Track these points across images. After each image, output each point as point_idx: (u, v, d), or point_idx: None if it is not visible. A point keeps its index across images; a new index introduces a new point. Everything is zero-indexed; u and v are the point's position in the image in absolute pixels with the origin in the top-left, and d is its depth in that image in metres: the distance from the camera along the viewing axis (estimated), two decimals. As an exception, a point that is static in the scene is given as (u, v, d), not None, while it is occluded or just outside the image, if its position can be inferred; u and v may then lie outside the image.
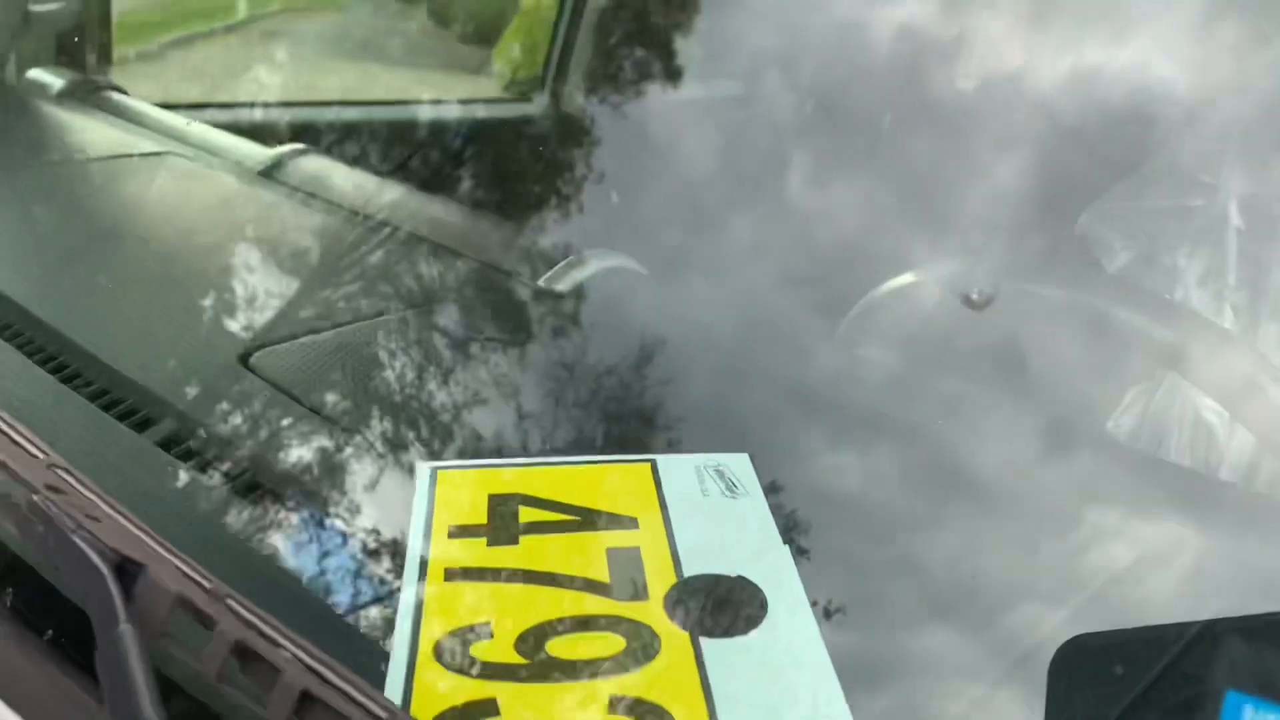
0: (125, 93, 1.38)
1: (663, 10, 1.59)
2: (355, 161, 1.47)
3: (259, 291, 0.76)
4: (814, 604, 0.47)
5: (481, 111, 1.72)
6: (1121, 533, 0.56)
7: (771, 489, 0.54)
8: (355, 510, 0.52)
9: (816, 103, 1.34)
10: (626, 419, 0.63)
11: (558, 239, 1.05)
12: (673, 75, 1.50)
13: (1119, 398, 0.93)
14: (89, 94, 1.34)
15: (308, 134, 1.51)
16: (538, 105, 1.85)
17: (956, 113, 1.20)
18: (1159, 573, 0.52)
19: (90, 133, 1.23)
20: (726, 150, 1.31)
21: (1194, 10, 0.94)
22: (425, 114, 1.59)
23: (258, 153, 1.15)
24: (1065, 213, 1.02)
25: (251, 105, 1.75)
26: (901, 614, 0.51)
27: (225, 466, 0.55)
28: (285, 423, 0.59)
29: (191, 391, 0.63)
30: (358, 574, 0.48)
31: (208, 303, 0.75)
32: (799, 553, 0.50)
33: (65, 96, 1.32)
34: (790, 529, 0.51)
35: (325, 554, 0.49)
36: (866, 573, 0.52)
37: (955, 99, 1.23)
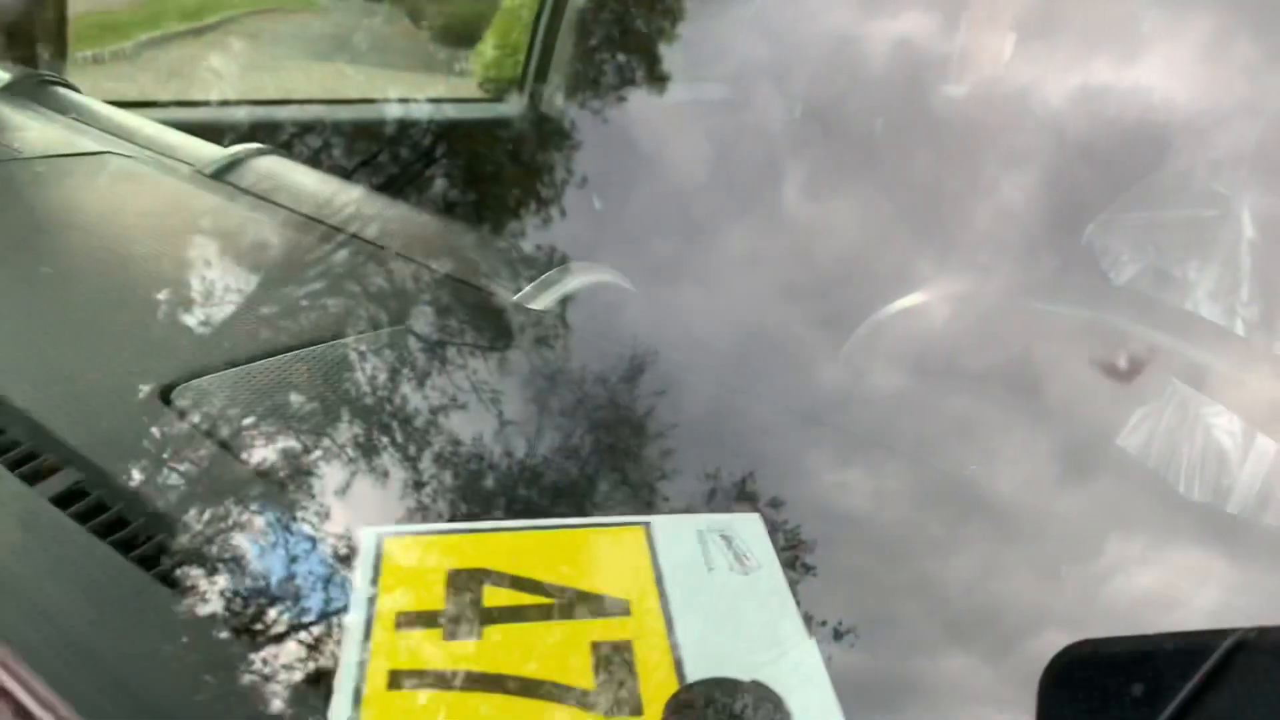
0: (77, 90, 1.28)
1: (645, 12, 1.52)
2: (320, 163, 1.38)
3: (191, 311, 0.66)
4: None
5: (455, 112, 1.63)
6: (1125, 547, 0.53)
7: (789, 558, 0.45)
8: (285, 596, 0.42)
9: (805, 108, 1.28)
10: (614, 468, 0.53)
11: (535, 250, 0.96)
12: (657, 78, 1.42)
13: (1130, 417, 0.91)
14: (35, 89, 1.25)
15: (272, 135, 1.42)
16: (515, 106, 1.76)
17: (958, 125, 1.16)
18: (1155, 583, 0.51)
19: (28, 129, 1.13)
20: (715, 157, 1.24)
21: (1203, 29, 0.91)
22: (395, 113, 1.50)
23: (212, 153, 1.06)
24: (1074, 229, 0.99)
25: (212, 104, 1.65)
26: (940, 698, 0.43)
27: (131, 531, 0.46)
28: (206, 476, 0.49)
29: (98, 434, 0.53)
30: (279, 680, 0.39)
31: (129, 324, 0.65)
32: (833, 635, 0.41)
33: (9, 90, 1.22)
34: (813, 610, 0.42)
35: (247, 653, 0.40)
36: (908, 657, 0.43)
37: (957, 111, 1.19)
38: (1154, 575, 0.51)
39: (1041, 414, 0.83)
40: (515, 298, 0.75)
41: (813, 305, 1.00)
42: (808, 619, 0.42)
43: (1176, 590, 0.50)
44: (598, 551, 0.44)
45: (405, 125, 1.43)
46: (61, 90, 1.27)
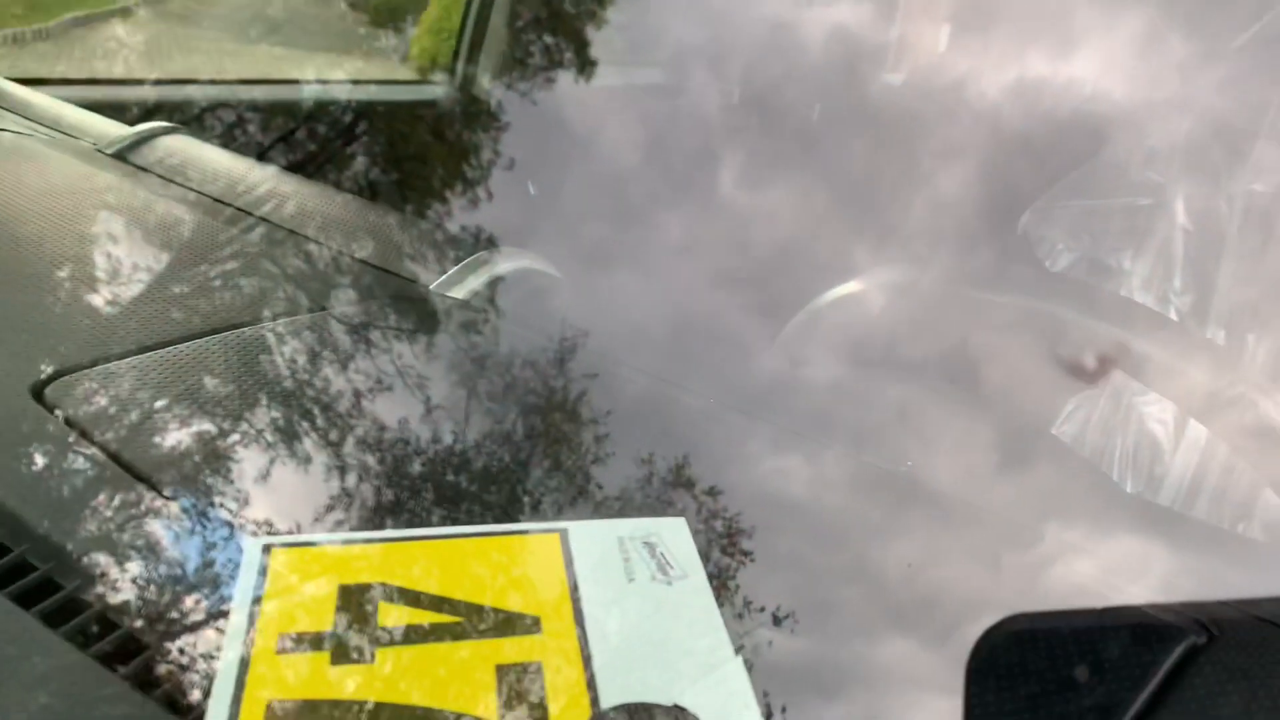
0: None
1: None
2: (235, 143, 1.32)
3: (72, 299, 0.61)
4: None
5: (380, 93, 1.58)
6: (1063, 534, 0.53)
7: (718, 565, 0.42)
8: (158, 616, 0.38)
9: (742, 94, 1.26)
10: (531, 470, 0.49)
11: (461, 235, 0.92)
12: (589, 61, 1.38)
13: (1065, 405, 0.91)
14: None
15: (189, 116, 1.35)
16: (443, 88, 1.71)
17: (895, 114, 1.15)
18: (1092, 568, 0.50)
19: (-84, 105, 1.06)
20: (650, 142, 1.21)
21: (1136, 24, 0.91)
22: (318, 93, 1.45)
23: (118, 132, 1.00)
24: (1010, 219, 0.98)
25: (127, 83, 1.58)
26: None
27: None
28: (75, 480, 0.45)
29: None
30: (145, 715, 0.34)
31: (2, 313, 0.59)
32: (763, 643, 0.38)
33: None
34: (743, 620, 0.39)
35: (109, 684, 0.35)
36: (842, 650, 0.41)
37: (893, 100, 1.18)
38: (1091, 561, 0.51)
39: (979, 403, 0.82)
40: (434, 285, 0.71)
41: (748, 294, 0.97)
42: (736, 633, 0.38)
43: (1113, 575, 0.48)
44: (508, 563, 0.40)
45: (326, 105, 1.38)
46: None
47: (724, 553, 0.44)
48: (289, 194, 0.86)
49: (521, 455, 0.50)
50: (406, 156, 1.36)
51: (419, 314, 0.68)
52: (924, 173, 1.01)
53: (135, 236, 0.73)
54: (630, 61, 1.46)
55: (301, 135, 1.34)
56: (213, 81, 1.60)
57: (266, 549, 0.40)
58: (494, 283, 0.73)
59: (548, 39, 1.46)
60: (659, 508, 0.46)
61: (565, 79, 1.36)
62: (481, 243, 0.90)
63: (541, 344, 0.64)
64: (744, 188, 1.10)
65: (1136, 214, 0.98)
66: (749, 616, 0.40)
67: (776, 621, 0.40)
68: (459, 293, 0.71)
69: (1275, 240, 0.85)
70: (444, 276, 0.72)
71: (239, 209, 0.81)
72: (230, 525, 0.42)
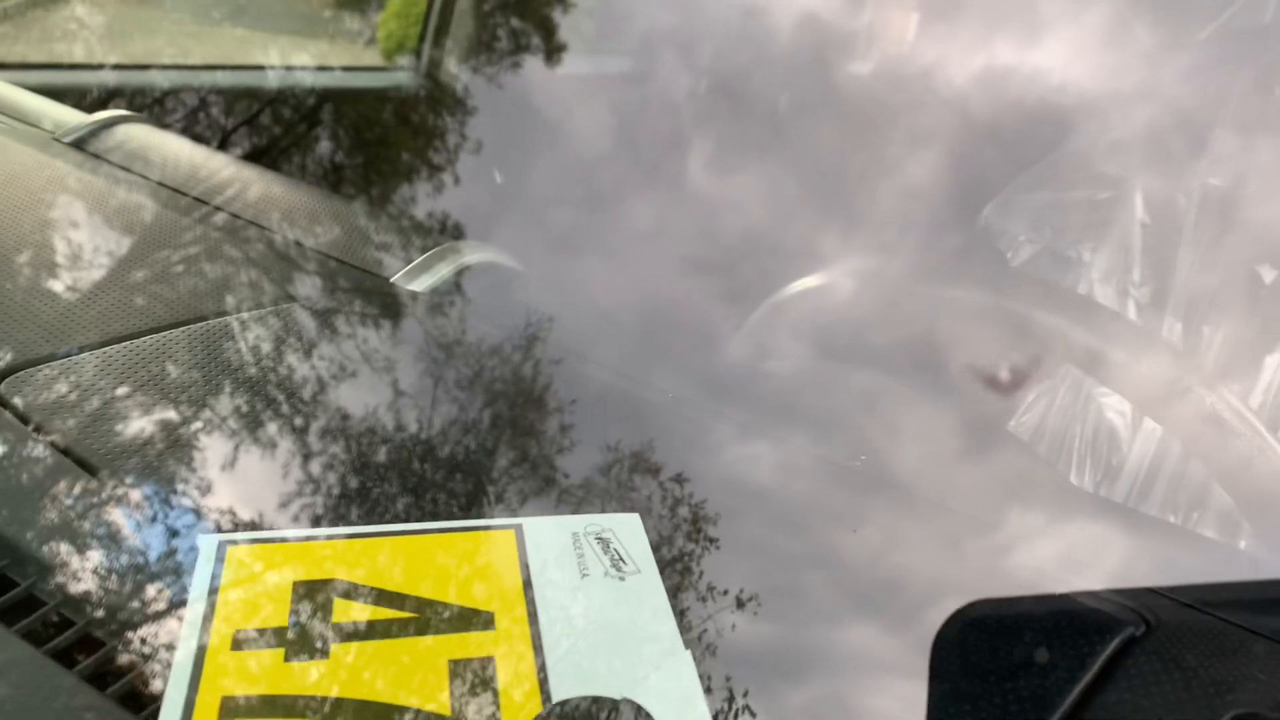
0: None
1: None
2: (195, 130, 1.31)
3: (23, 293, 0.60)
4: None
5: (343, 78, 1.57)
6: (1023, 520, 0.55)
7: (669, 560, 0.42)
8: (112, 613, 0.38)
9: (710, 84, 1.26)
10: (487, 465, 0.50)
11: (423, 225, 0.92)
12: (557, 47, 1.38)
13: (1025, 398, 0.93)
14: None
15: (149, 103, 1.34)
16: (409, 73, 1.69)
17: (863, 103, 1.15)
18: (1052, 554, 0.52)
19: None
20: (617, 130, 1.21)
21: (1102, 14, 0.92)
22: (279, 79, 1.43)
23: (74, 119, 0.99)
24: (972, 211, 0.99)
25: (84, 68, 1.56)
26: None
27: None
28: (27, 470, 0.45)
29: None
30: (98, 711, 0.35)
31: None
32: (713, 634, 0.39)
33: None
34: (701, 617, 0.40)
35: (62, 681, 0.35)
36: (804, 638, 0.41)
37: (862, 88, 1.19)
38: (1051, 546, 0.52)
39: (940, 393, 0.83)
40: (396, 277, 0.71)
41: (714, 282, 0.98)
42: (690, 626, 0.39)
43: (1073, 560, 0.50)
44: (462, 558, 0.41)
45: (290, 91, 1.37)
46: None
47: (683, 545, 0.44)
48: (250, 183, 0.86)
49: (481, 450, 0.50)
50: (371, 143, 1.35)
51: (381, 306, 0.68)
52: (891, 161, 1.01)
53: (93, 226, 0.73)
54: (599, 49, 1.46)
55: (265, 121, 1.33)
56: (173, 66, 1.58)
57: (223, 544, 0.40)
58: (457, 275, 0.73)
59: (515, 23, 1.45)
60: (618, 501, 0.47)
61: (533, 65, 1.36)
62: (448, 232, 0.90)
63: (503, 337, 0.65)
64: (712, 174, 1.10)
65: (1097, 207, 0.99)
66: (707, 608, 0.41)
67: (737, 610, 0.41)
68: (422, 285, 0.71)
69: (1232, 232, 0.87)
70: (407, 268, 0.72)
71: (198, 199, 0.81)
72: (187, 520, 0.42)
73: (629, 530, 0.43)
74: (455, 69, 1.53)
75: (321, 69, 1.60)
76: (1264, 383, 0.81)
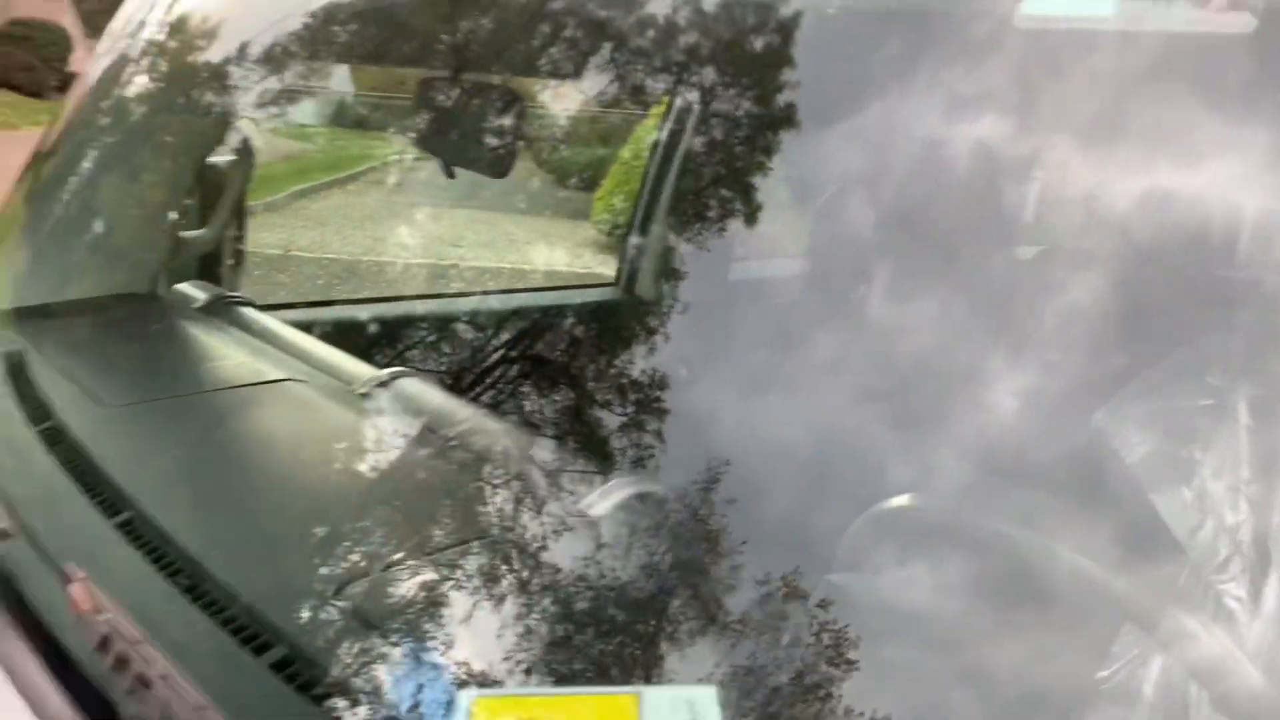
0: (255, 305, 1.63)
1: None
2: (446, 380, 1.61)
3: (353, 523, 0.94)
4: None
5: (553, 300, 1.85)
6: None
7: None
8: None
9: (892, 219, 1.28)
10: (610, 638, 0.73)
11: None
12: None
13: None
14: (223, 307, 1.59)
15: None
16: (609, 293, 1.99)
17: (1030, 226, 1.20)
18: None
19: (222, 349, 1.46)
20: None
21: (1264, 138, 0.90)
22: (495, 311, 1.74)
23: (362, 373, 1.27)
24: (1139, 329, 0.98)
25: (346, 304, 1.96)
26: None
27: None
28: (357, 649, 0.76)
29: (295, 619, 0.80)
30: None
31: (310, 534, 0.93)
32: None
33: (205, 309, 1.57)
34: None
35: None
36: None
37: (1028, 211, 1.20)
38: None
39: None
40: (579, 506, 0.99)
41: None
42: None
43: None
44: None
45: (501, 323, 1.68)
46: (243, 308, 1.61)
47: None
48: (487, 430, 1.17)
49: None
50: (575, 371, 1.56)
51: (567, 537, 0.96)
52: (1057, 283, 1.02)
53: (386, 473, 1.07)
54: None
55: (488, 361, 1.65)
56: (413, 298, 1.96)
57: (470, 702, 0.59)
58: (623, 501, 0.98)
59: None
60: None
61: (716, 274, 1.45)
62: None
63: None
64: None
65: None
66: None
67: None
68: (598, 511, 0.99)
69: None
70: (586, 497, 1.00)
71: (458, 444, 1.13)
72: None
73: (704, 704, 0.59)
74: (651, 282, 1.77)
75: (534, 290, 1.88)
76: None
